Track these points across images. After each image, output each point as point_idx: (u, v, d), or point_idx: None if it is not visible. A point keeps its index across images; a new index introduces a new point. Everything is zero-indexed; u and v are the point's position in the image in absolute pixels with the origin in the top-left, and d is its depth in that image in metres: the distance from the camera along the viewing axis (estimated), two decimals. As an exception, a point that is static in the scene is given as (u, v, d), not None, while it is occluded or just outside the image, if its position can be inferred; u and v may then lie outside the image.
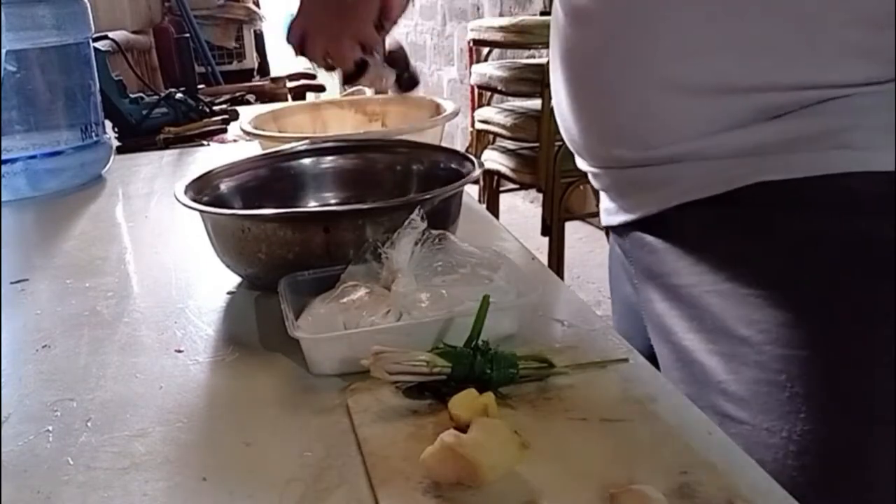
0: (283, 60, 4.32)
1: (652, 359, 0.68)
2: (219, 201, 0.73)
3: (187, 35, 2.09)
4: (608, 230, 0.78)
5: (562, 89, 0.70)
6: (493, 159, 2.41)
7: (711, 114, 0.58)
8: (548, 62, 2.11)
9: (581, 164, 0.74)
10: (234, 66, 3.64)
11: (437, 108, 1.09)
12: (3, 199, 1.01)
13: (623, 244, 0.73)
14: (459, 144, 3.55)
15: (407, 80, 0.96)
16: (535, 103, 2.23)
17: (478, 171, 0.71)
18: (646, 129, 0.62)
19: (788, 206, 0.57)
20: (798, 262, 0.56)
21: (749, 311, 0.57)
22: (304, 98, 2.76)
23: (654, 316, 0.66)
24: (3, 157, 1.02)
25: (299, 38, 0.86)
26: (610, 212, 0.72)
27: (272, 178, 0.80)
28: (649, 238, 0.66)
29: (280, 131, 1.10)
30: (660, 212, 0.64)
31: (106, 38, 1.55)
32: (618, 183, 0.69)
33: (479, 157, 1.10)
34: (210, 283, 0.71)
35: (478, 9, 3.94)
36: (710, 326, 0.59)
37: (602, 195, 0.74)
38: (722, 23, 0.56)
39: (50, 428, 0.49)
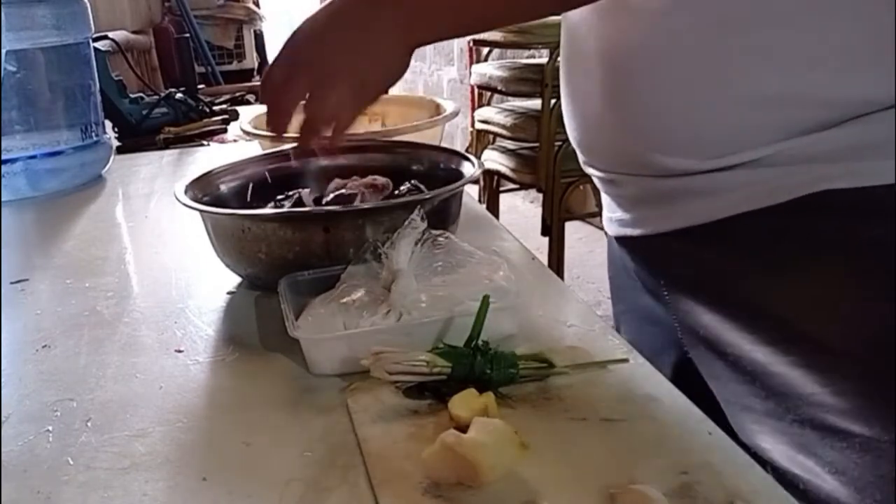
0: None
1: (671, 368, 0.67)
2: (219, 201, 0.73)
3: (187, 35, 2.09)
4: (610, 239, 0.76)
5: (592, 88, 0.65)
6: (493, 159, 2.41)
7: (780, 123, 0.57)
8: (548, 61, 2.12)
9: (593, 170, 0.71)
10: (234, 66, 3.65)
11: (437, 108, 1.09)
12: (3, 199, 1.01)
13: (640, 255, 0.70)
14: (459, 144, 3.55)
15: None
16: (535, 103, 2.22)
17: (478, 171, 0.71)
18: (710, 138, 0.59)
19: (853, 213, 0.55)
20: (869, 270, 0.54)
21: (828, 319, 0.55)
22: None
23: (697, 327, 0.64)
24: (3, 157, 1.02)
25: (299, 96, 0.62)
26: (624, 223, 0.69)
27: (272, 178, 0.80)
28: (692, 248, 0.63)
29: (280, 131, 1.09)
30: (710, 222, 0.61)
31: (106, 38, 1.55)
32: (652, 192, 0.65)
33: (479, 157, 1.10)
34: (210, 283, 0.71)
35: (478, 9, 3.93)
36: (787, 336, 0.57)
37: (611, 204, 0.71)
38: (804, 34, 0.54)
39: (50, 428, 0.49)
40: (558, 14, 0.68)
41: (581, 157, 0.73)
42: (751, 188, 0.58)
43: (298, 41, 0.62)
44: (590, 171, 0.72)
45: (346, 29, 0.61)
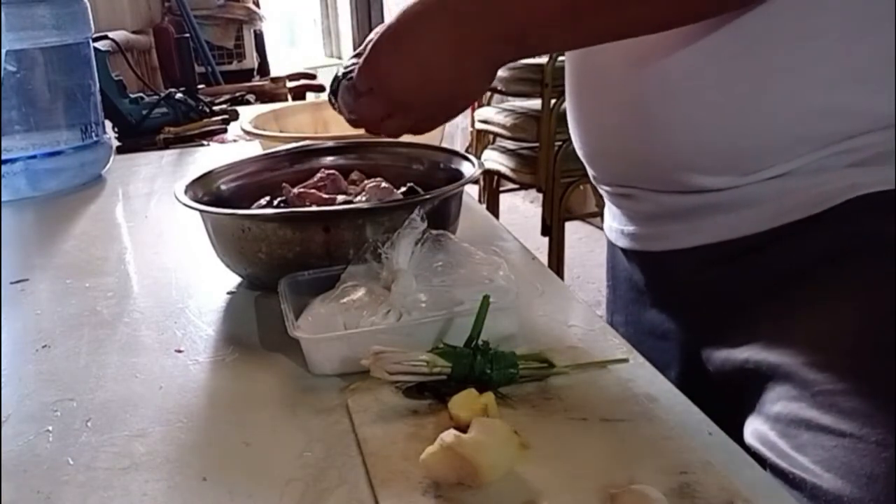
0: (283, 60, 4.31)
1: (676, 383, 0.67)
2: (219, 201, 0.73)
3: (187, 35, 2.09)
4: (614, 250, 0.74)
5: (612, 103, 0.64)
6: (493, 159, 2.41)
7: (814, 135, 0.56)
8: (548, 61, 2.12)
9: (605, 185, 0.69)
10: (234, 66, 3.64)
11: (437, 108, 1.08)
12: (3, 199, 1.01)
13: (654, 270, 0.68)
14: (459, 144, 3.55)
15: None
16: (535, 103, 2.23)
17: (478, 171, 0.71)
18: (744, 154, 0.58)
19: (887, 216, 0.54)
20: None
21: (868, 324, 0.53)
22: (304, 98, 2.76)
23: (719, 341, 0.63)
24: (3, 157, 1.02)
25: (379, 121, 0.63)
26: (639, 237, 0.68)
27: (272, 178, 0.80)
28: (719, 264, 0.62)
29: (281, 131, 1.10)
30: (740, 237, 0.60)
31: (106, 38, 1.55)
32: (674, 208, 0.63)
33: (479, 157, 1.10)
34: (210, 283, 0.71)
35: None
36: (825, 350, 0.55)
37: (621, 217, 0.70)
38: (839, 48, 0.54)
39: (50, 428, 0.49)
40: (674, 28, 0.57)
41: (591, 172, 0.71)
42: (783, 200, 0.57)
43: (380, 57, 0.58)
44: (600, 185, 0.70)
45: (429, 45, 0.56)
